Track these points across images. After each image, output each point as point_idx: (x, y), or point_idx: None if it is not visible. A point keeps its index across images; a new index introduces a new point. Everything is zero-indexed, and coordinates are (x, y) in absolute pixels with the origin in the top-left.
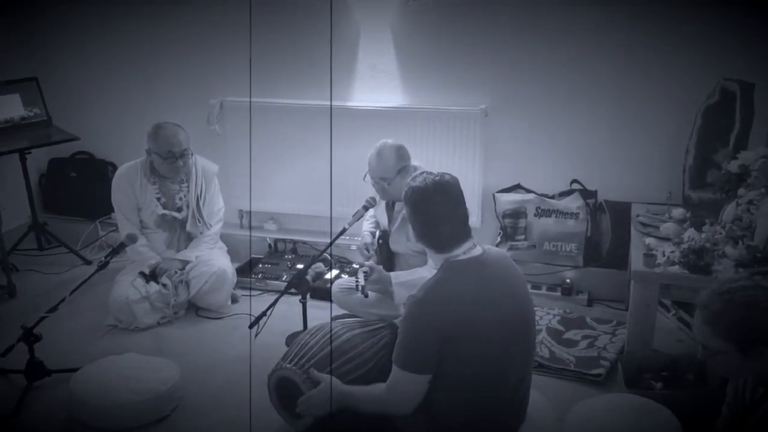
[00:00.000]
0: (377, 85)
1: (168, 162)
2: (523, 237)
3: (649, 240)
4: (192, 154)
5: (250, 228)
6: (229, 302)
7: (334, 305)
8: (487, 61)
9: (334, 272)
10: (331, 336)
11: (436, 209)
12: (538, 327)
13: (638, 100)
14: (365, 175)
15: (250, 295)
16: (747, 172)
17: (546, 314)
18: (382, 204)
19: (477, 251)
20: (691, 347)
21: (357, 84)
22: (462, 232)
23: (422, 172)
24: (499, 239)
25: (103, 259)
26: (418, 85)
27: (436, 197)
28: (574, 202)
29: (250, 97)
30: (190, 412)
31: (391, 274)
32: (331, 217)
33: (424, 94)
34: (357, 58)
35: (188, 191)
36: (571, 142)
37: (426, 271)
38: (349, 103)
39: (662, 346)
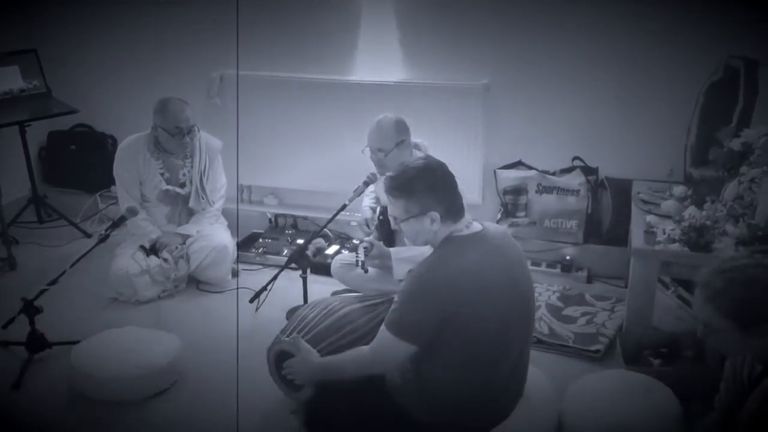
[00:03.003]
0: (379, 59)
1: (176, 138)
2: (523, 214)
3: (649, 217)
4: (198, 130)
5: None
6: (230, 276)
7: (334, 280)
8: (489, 36)
9: (335, 248)
10: (328, 310)
11: (439, 180)
12: (537, 303)
13: (641, 76)
14: (364, 148)
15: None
16: (749, 150)
17: (545, 291)
18: (383, 179)
19: (476, 227)
20: (690, 325)
21: (358, 58)
22: (460, 205)
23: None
24: (499, 216)
25: (103, 232)
26: (420, 60)
27: (438, 170)
28: (575, 179)
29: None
30: (190, 385)
31: (391, 249)
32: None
33: (425, 69)
34: (359, 33)
35: (192, 167)
36: (573, 119)
37: (425, 247)
38: (350, 78)
39: (661, 324)
